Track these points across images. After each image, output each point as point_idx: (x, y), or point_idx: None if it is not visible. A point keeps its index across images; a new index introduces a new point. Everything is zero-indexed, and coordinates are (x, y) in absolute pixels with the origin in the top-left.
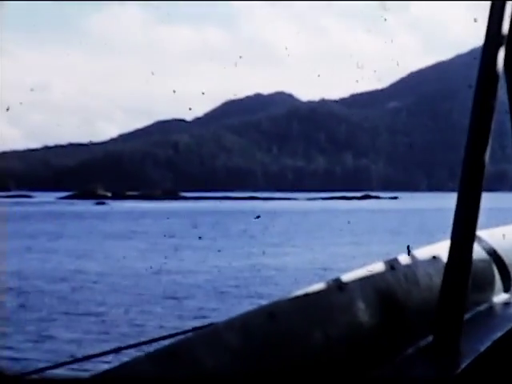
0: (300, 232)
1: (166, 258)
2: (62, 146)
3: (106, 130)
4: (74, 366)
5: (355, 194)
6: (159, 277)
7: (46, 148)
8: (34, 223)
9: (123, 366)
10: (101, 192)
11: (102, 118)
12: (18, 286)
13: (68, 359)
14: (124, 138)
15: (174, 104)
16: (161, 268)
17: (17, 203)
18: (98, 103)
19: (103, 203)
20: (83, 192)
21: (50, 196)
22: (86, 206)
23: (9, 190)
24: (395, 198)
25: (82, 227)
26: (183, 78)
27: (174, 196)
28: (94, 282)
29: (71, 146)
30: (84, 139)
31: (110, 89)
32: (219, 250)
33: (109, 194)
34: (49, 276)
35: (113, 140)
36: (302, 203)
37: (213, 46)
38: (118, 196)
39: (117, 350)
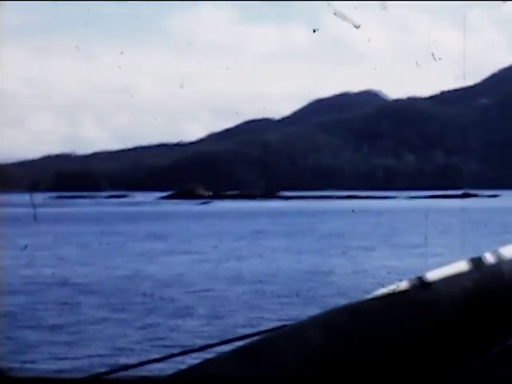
0: (437, 232)
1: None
2: (153, 147)
3: (191, 131)
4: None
5: (454, 192)
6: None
7: (138, 148)
8: (170, 223)
9: (207, 363)
10: (201, 192)
11: (187, 119)
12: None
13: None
14: (213, 137)
15: (259, 103)
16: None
17: (123, 203)
18: (183, 104)
19: (208, 203)
20: (183, 192)
21: (149, 196)
22: (190, 206)
23: (102, 191)
24: (495, 196)
25: (214, 226)
26: (268, 77)
27: (273, 195)
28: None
29: (162, 146)
30: (169, 140)
31: (195, 89)
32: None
33: (209, 194)
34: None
35: (202, 140)
36: (401, 202)
37: (297, 44)
38: (218, 196)
39: (203, 348)
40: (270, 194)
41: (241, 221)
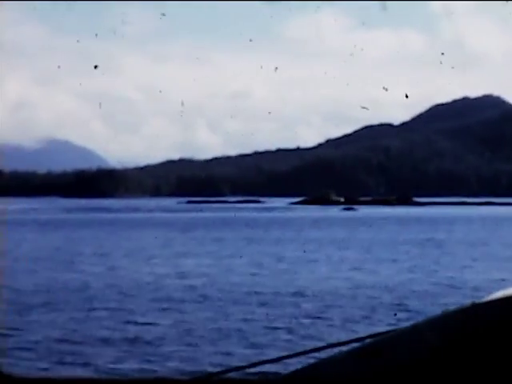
0: None
1: None
2: (271, 152)
3: (304, 136)
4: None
5: None
6: None
7: (257, 154)
8: (334, 230)
9: (321, 364)
10: (334, 197)
11: (301, 124)
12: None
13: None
14: (332, 143)
15: (375, 109)
16: None
17: (259, 209)
18: (296, 109)
19: (351, 209)
20: (315, 197)
21: (278, 201)
22: (333, 212)
23: (223, 195)
24: None
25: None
26: (383, 83)
27: (406, 201)
28: None
29: (280, 151)
30: (283, 145)
31: (308, 94)
32: None
33: (342, 200)
34: None
35: (320, 145)
36: None
37: (413, 49)
38: (351, 201)
39: (315, 350)
40: (403, 200)
41: (402, 227)
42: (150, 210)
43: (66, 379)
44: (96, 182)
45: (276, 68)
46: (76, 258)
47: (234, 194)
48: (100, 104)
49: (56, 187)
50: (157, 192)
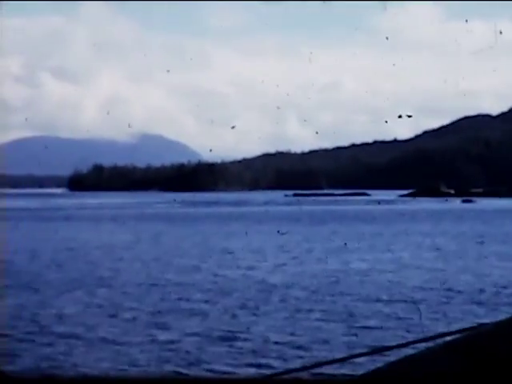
0: None
1: None
2: (368, 144)
3: (394, 128)
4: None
5: None
6: None
7: (354, 146)
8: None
9: (414, 358)
10: (443, 189)
11: (392, 116)
12: None
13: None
14: (429, 134)
15: (468, 100)
16: None
17: (372, 201)
18: (387, 101)
19: (470, 201)
20: (424, 189)
21: (385, 194)
22: (455, 205)
23: (321, 188)
24: None
25: None
26: (477, 73)
27: None
28: None
29: (377, 143)
30: (375, 137)
31: (399, 87)
32: None
33: (452, 191)
34: None
35: (418, 137)
36: None
37: (506, 39)
38: (461, 193)
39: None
40: None
41: None
42: (264, 204)
43: (66, 379)
44: (195, 176)
45: (368, 61)
46: (236, 255)
47: (332, 186)
48: (192, 99)
49: (155, 181)
50: (255, 185)
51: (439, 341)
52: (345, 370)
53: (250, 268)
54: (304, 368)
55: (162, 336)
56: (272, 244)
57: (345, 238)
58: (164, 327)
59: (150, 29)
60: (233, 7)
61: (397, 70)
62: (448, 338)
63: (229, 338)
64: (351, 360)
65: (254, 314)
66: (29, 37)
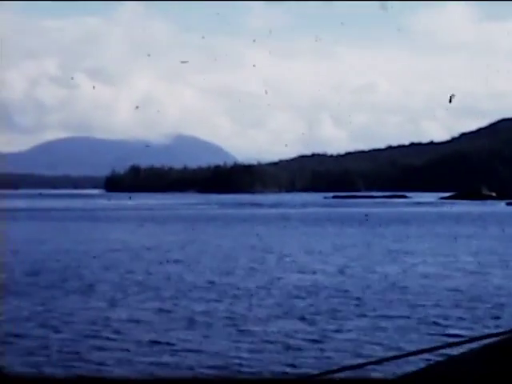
0: None
1: None
2: (405, 146)
3: (429, 129)
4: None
5: None
6: None
7: (390, 148)
8: None
9: (453, 360)
10: (485, 192)
11: (426, 117)
12: None
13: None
14: (466, 137)
15: (504, 101)
16: None
17: (412, 204)
18: (422, 102)
19: None
20: (466, 192)
21: (425, 196)
22: (500, 208)
23: (358, 190)
24: None
25: None
26: None
27: None
28: None
29: (413, 145)
30: (407, 139)
31: (434, 88)
32: None
33: (493, 194)
34: None
35: (455, 139)
36: None
37: None
38: (503, 196)
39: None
40: None
41: None
42: (304, 206)
43: (66, 379)
44: (232, 178)
45: (402, 62)
46: (295, 257)
47: (368, 188)
48: (225, 100)
49: (192, 183)
50: (291, 187)
51: (478, 343)
52: (383, 372)
53: (314, 272)
54: (342, 369)
55: (246, 341)
56: (326, 246)
57: (396, 240)
58: (244, 332)
59: (184, 29)
60: (267, 8)
61: (432, 71)
62: (487, 341)
63: (315, 341)
64: (388, 362)
65: (334, 318)
66: (65, 38)
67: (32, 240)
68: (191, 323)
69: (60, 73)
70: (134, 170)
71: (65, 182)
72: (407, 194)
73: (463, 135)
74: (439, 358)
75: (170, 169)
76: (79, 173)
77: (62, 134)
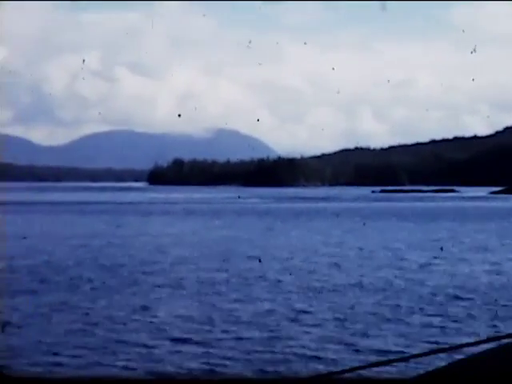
0: None
1: None
2: (448, 140)
3: (470, 124)
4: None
5: None
6: None
7: (434, 142)
8: None
9: (468, 361)
10: None
11: (467, 112)
12: None
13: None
14: (511, 130)
15: None
16: None
17: (462, 199)
18: (462, 97)
19: None
20: None
21: (474, 191)
22: None
23: (402, 184)
24: None
25: None
26: None
27: None
28: None
29: (457, 139)
30: (449, 133)
31: (475, 82)
32: None
33: None
34: None
35: (498, 133)
36: None
37: None
38: None
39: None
40: None
41: None
42: (355, 199)
43: (66, 379)
44: (275, 171)
45: (442, 57)
46: (376, 253)
47: (412, 182)
48: (266, 94)
49: (235, 176)
50: (335, 181)
51: (500, 342)
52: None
53: (399, 267)
54: (366, 366)
55: (362, 343)
56: (399, 241)
57: (468, 236)
58: (357, 330)
59: (225, 24)
60: (308, 3)
61: (473, 65)
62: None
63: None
64: (413, 359)
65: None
66: (106, 32)
67: (86, 235)
68: (302, 325)
69: (101, 67)
70: (178, 164)
71: (107, 175)
72: (455, 189)
73: (507, 129)
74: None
75: (213, 162)
76: (120, 166)
77: (102, 128)
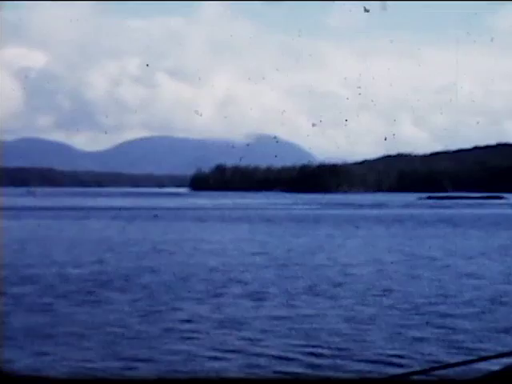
0: None
1: None
2: (492, 146)
3: None
4: None
5: None
6: None
7: (477, 148)
8: None
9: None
10: None
11: (509, 118)
12: None
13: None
14: None
15: None
16: None
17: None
18: (504, 103)
19: None
20: None
21: None
22: None
23: (445, 191)
24: None
25: None
26: None
27: None
28: None
29: (500, 145)
30: (491, 140)
31: None
32: None
33: None
34: None
35: None
36: None
37: None
38: None
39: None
40: None
41: None
42: (404, 206)
43: (65, 379)
44: (318, 177)
45: (485, 62)
46: (443, 261)
47: (456, 189)
48: (305, 99)
49: (277, 182)
50: (378, 187)
51: None
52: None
53: (481, 277)
54: (424, 371)
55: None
56: (472, 249)
57: None
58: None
59: (266, 29)
60: (348, 8)
61: None
62: None
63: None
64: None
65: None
66: (147, 38)
67: (151, 241)
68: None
69: (142, 72)
70: (220, 169)
71: (148, 181)
72: (503, 196)
73: None
74: None
75: (256, 168)
76: (160, 171)
77: (142, 133)
